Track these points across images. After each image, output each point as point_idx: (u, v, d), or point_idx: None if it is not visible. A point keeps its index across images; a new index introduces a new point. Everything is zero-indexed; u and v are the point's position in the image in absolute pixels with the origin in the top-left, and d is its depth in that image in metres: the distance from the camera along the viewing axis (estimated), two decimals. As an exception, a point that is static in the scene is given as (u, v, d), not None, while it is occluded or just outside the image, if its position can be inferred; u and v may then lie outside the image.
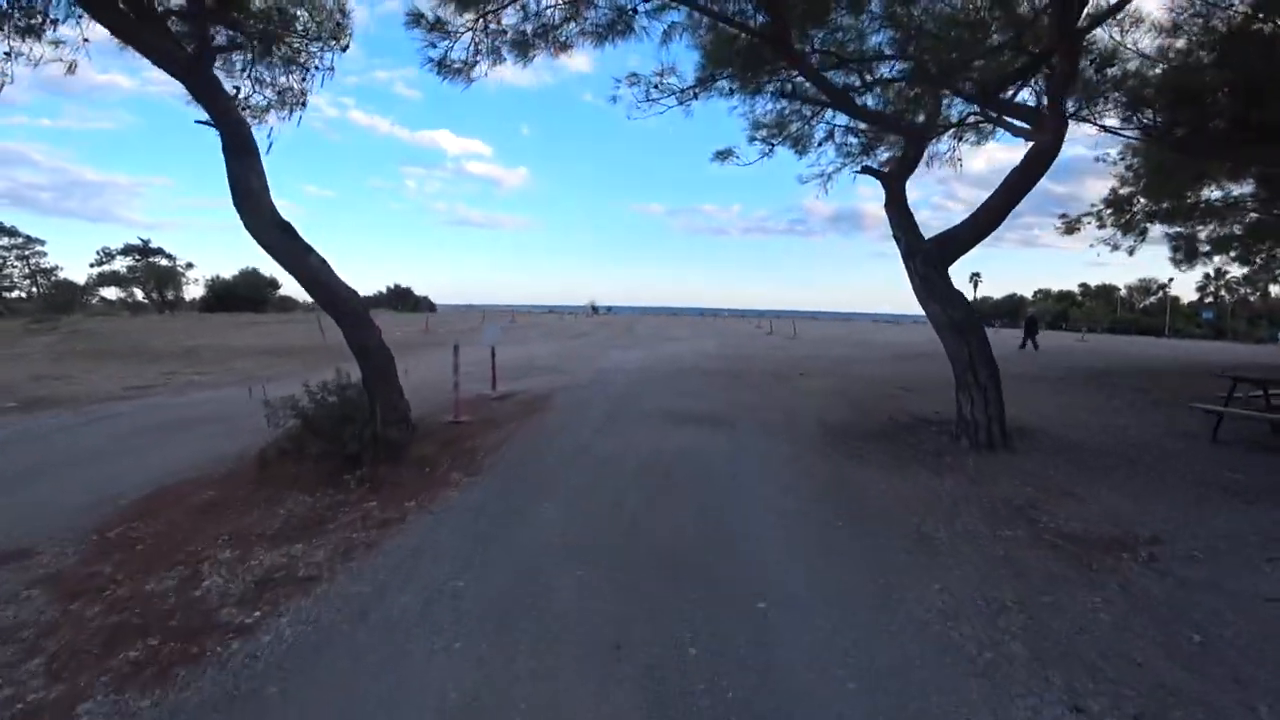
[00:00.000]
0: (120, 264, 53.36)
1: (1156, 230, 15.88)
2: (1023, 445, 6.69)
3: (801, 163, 9.12)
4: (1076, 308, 78.43)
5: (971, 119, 8.33)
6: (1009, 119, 7.33)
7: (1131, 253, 15.86)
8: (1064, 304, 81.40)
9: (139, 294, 49.36)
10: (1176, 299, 74.02)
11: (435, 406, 8.34)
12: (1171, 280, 60.51)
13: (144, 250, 54.55)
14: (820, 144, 9.01)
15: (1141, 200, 14.97)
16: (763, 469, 5.67)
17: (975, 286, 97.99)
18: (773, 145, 8.68)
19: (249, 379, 13.77)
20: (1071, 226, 15.43)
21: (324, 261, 5.69)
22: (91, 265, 52.54)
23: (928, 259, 6.92)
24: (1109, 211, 15.02)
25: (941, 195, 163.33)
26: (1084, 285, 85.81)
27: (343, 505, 4.66)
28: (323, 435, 5.34)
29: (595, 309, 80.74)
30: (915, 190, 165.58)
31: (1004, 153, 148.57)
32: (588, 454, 5.97)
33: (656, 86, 6.81)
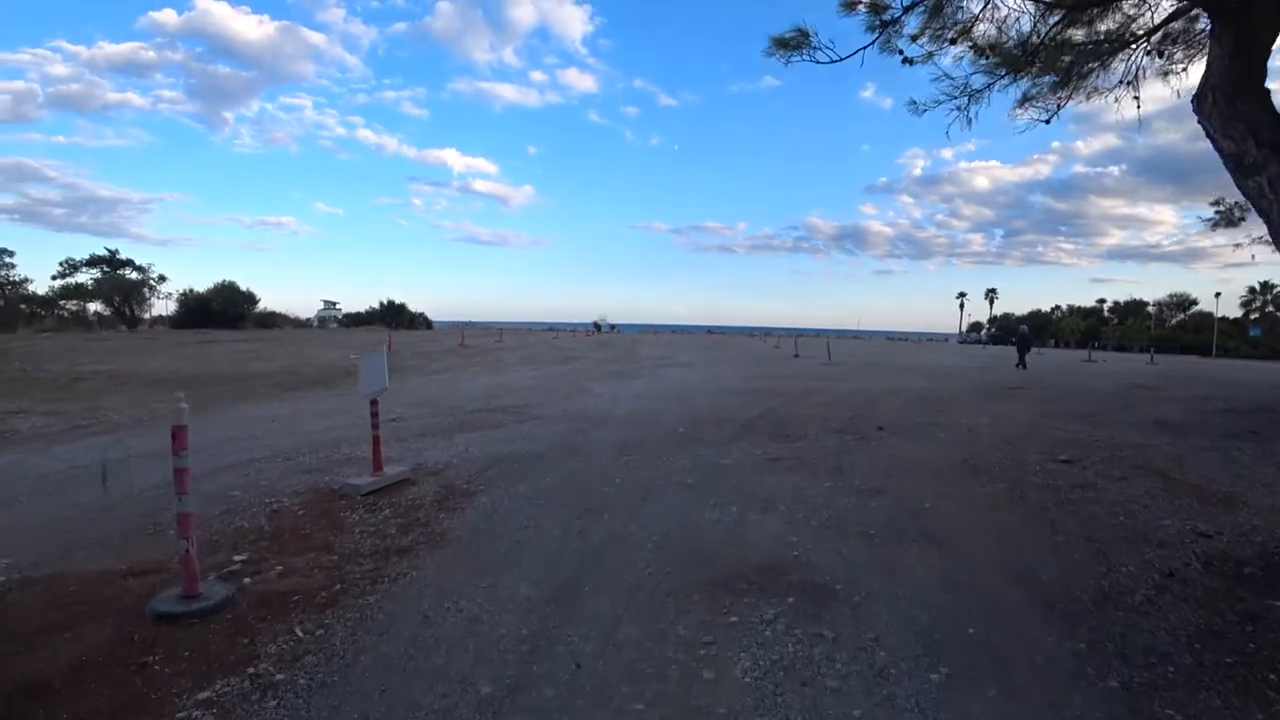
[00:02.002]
0: (86, 276, 49.54)
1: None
2: None
3: (911, 78, 4.99)
4: (1104, 324, 74.01)
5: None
6: None
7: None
8: (1090, 320, 76.93)
9: (92, 308, 45.24)
10: (1209, 315, 69.53)
11: (227, 528, 4.13)
12: (1219, 295, 56.04)
13: (112, 261, 50.78)
14: (962, 37, 4.87)
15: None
16: None
17: (991, 304, 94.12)
18: (886, 24, 4.55)
19: (90, 427, 9.61)
20: (1230, 217, 11.23)
21: None
22: (54, 278, 48.68)
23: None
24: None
25: (946, 213, 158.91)
26: (1102, 301, 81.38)
27: None
28: None
29: (599, 327, 76.57)
30: (918, 209, 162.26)
31: (1005, 171, 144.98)
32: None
33: None
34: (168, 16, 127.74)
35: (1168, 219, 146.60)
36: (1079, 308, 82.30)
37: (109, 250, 50.91)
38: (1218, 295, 55.51)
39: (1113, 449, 7.38)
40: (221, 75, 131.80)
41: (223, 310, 50.87)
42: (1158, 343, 59.22)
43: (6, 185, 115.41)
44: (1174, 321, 72.94)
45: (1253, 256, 12.83)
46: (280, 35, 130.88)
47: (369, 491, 5.19)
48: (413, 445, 7.39)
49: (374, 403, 5.55)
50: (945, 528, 4.39)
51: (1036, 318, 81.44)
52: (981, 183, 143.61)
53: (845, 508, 4.77)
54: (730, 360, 22.12)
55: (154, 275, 52.35)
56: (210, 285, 52.79)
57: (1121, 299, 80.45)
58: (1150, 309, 74.21)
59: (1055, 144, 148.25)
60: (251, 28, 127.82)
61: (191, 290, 52.26)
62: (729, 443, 7.20)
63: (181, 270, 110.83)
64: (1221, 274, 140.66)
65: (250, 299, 54.25)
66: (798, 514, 4.59)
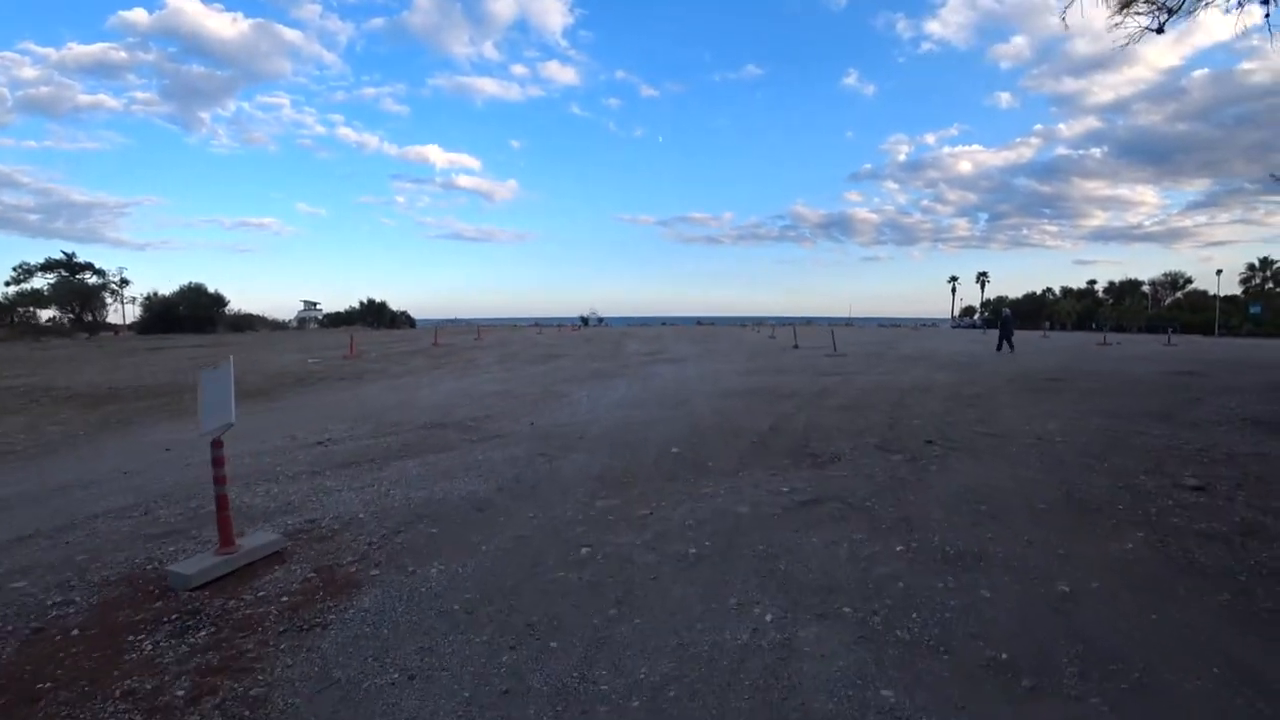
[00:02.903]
0: (42, 281, 46.94)
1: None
2: None
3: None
4: (1099, 306, 72.89)
5: None
6: None
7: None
8: (1085, 302, 75.77)
9: (43, 315, 42.77)
10: (1203, 293, 68.54)
11: None
12: (1220, 273, 54.87)
13: (69, 265, 48.20)
14: None
15: None
16: None
17: (983, 287, 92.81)
18: None
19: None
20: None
21: None
22: (7, 283, 46.11)
23: None
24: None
25: (930, 198, 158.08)
26: (1093, 282, 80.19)
27: None
28: None
29: (586, 320, 74.84)
30: (903, 194, 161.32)
31: (988, 155, 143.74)
32: None
33: None
34: (138, 16, 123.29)
35: (1149, 199, 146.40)
36: (1072, 289, 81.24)
37: (66, 254, 48.34)
38: (1219, 273, 54.37)
39: (1232, 464, 5.70)
40: (196, 75, 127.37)
41: (189, 314, 48.45)
42: (1156, 322, 58.10)
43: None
44: (1168, 301, 71.98)
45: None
46: (255, 33, 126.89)
47: (201, 585, 3.38)
48: (326, 482, 5.60)
49: (217, 444, 3.71)
50: (1121, 645, 2.63)
51: (1030, 300, 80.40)
52: (965, 167, 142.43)
53: (944, 602, 3.00)
54: (725, 354, 20.36)
55: (115, 279, 49.95)
56: (176, 288, 50.30)
57: (1110, 279, 79.44)
58: (1145, 289, 73.12)
59: (1037, 126, 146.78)
60: (225, 26, 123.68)
61: (156, 294, 49.80)
62: (741, 471, 5.43)
63: (162, 274, 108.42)
64: (1202, 252, 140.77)
65: (219, 301, 51.80)
66: (873, 620, 2.81)
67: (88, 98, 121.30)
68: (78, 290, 45.59)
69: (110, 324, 52.59)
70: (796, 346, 22.98)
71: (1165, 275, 73.30)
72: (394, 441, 7.33)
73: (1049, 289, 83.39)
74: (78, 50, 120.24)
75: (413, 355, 20.24)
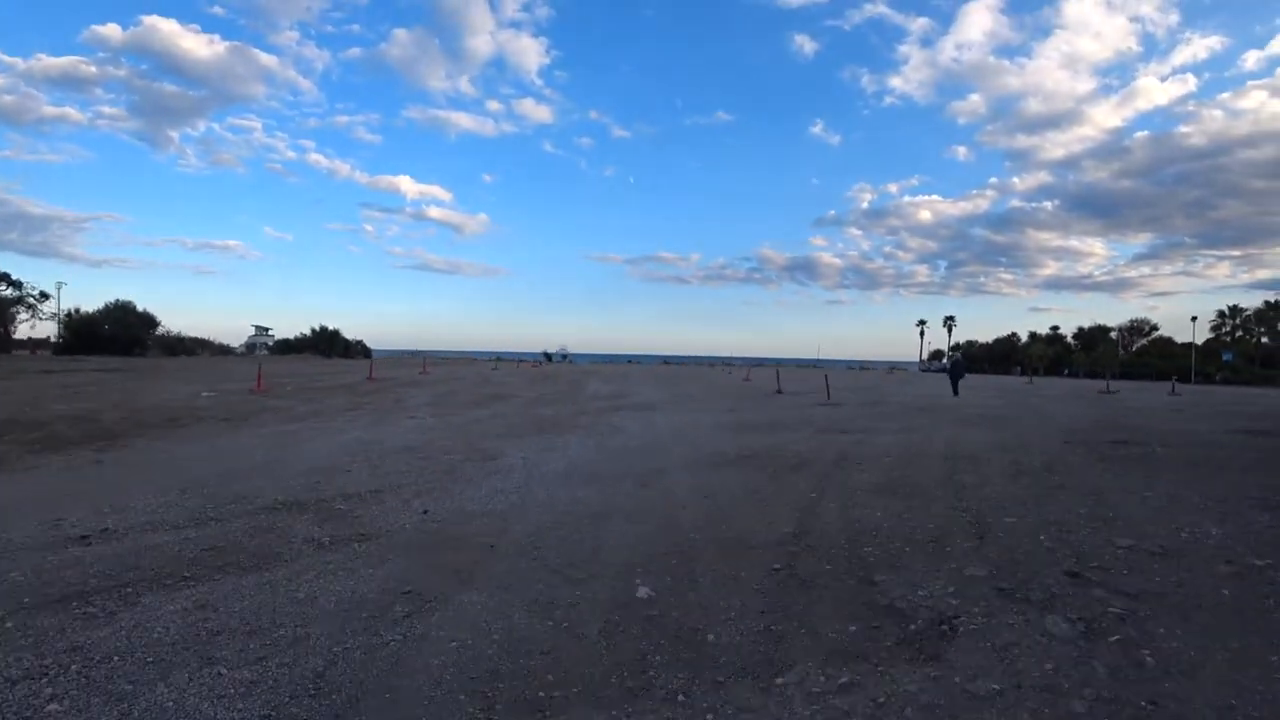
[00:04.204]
0: (-53, 296, 42.36)
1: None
2: None
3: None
4: (1069, 352, 72.68)
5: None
6: None
7: None
8: (1055, 348, 75.60)
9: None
10: (1169, 340, 68.94)
11: None
12: (1195, 320, 54.73)
13: (-18, 278, 43.78)
14: None
15: None
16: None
17: (950, 331, 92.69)
18: None
19: None
20: None
21: None
22: (-94, 297, 41.48)
23: None
24: None
25: (892, 245, 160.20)
26: (1056, 328, 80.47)
27: None
28: None
29: (549, 356, 72.19)
30: (866, 241, 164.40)
31: (946, 206, 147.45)
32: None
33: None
34: (112, 31, 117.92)
35: (1098, 251, 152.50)
36: (1039, 335, 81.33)
37: (-21, 265, 43.83)
38: (1194, 319, 54.22)
39: None
40: (167, 93, 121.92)
41: (116, 334, 44.21)
42: (1129, 369, 57.57)
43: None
44: (1135, 348, 72.20)
45: None
46: (231, 56, 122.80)
47: None
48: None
49: None
50: None
51: (1001, 344, 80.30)
52: (925, 216, 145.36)
53: None
54: (699, 399, 17.76)
55: (33, 293, 45.45)
56: (101, 306, 45.92)
57: (1079, 325, 79.71)
58: (1113, 335, 73.35)
59: (993, 179, 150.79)
60: (201, 46, 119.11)
61: (77, 310, 45.43)
62: (775, 671, 2.73)
63: (118, 293, 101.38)
64: (1147, 302, 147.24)
65: (149, 321, 47.55)
66: None
67: (53, 110, 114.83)
68: (-16, 304, 41.23)
69: (27, 341, 48.02)
70: (780, 391, 20.51)
71: (1132, 322, 73.78)
72: (201, 538, 4.49)
73: (1014, 333, 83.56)
74: (46, 62, 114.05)
75: (334, 391, 17.17)
